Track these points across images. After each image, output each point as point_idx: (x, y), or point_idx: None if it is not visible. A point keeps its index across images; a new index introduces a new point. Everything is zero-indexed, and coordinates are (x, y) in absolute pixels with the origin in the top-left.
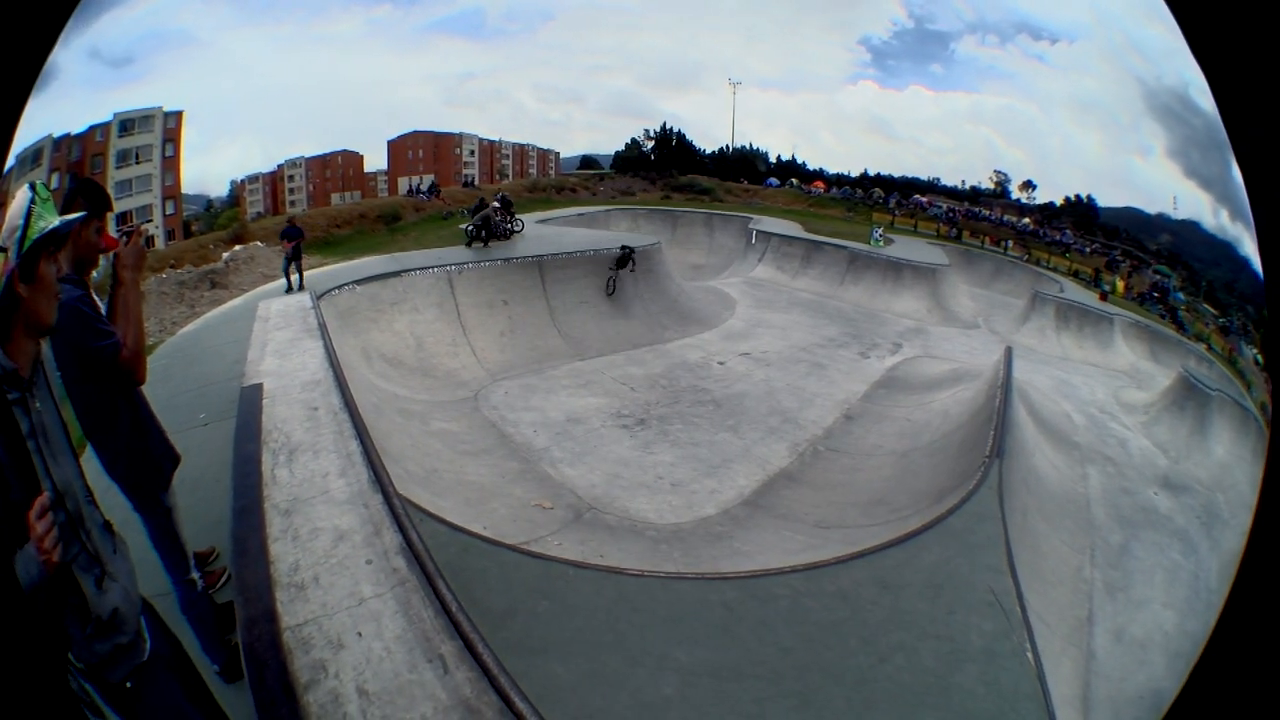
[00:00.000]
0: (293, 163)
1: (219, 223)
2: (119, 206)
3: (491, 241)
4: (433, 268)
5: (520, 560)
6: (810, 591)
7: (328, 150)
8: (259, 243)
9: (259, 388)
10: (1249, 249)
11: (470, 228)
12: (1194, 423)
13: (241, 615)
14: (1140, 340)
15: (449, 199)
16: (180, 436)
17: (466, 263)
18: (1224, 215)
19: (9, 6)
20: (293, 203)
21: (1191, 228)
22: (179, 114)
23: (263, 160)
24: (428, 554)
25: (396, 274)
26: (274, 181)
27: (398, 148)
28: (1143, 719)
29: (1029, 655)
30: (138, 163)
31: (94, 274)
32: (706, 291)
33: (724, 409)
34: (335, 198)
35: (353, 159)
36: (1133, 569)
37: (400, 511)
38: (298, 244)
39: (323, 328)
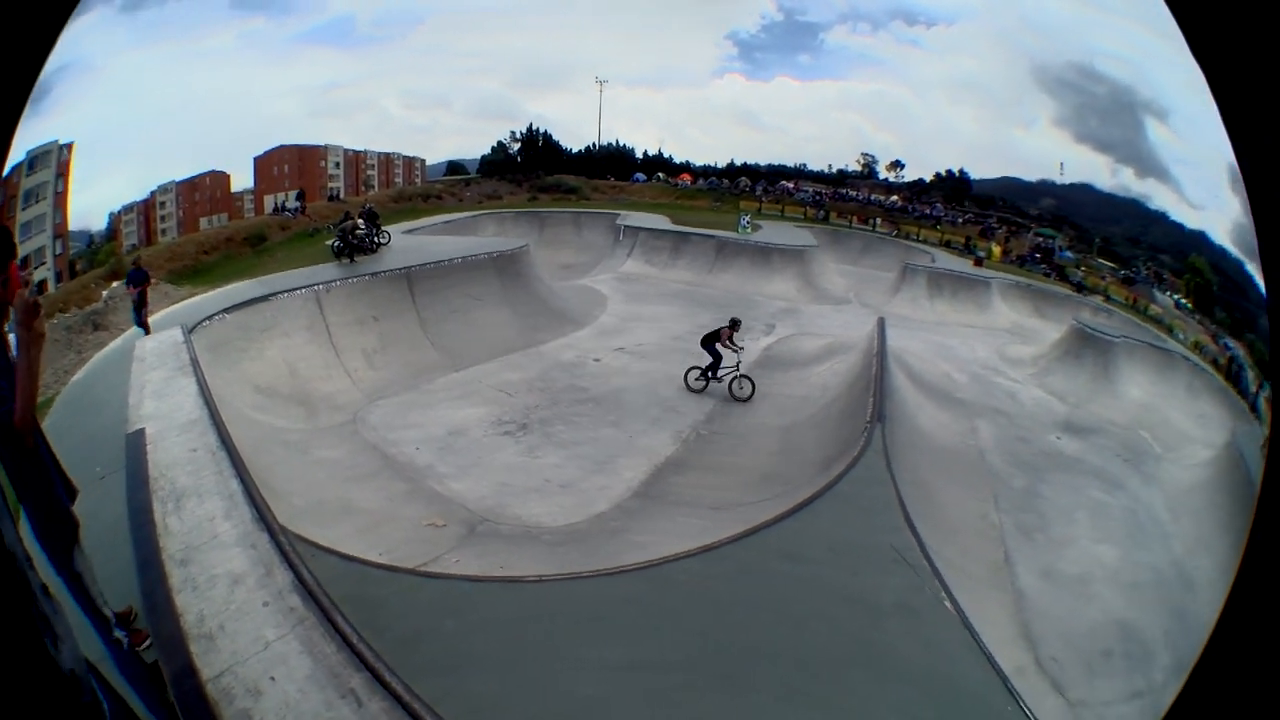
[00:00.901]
0: (164, 188)
1: (99, 259)
2: (25, 249)
3: (358, 256)
4: (300, 289)
5: (420, 583)
6: (712, 573)
7: (196, 172)
8: None
9: (141, 433)
10: (1164, 202)
11: (335, 243)
12: (1096, 369)
13: (166, 672)
14: (1022, 299)
15: (315, 215)
16: (83, 493)
17: (334, 280)
18: (1127, 174)
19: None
20: (164, 230)
21: (1083, 190)
22: (70, 146)
23: (137, 188)
24: (321, 589)
25: (264, 298)
26: (147, 210)
27: (264, 164)
28: (1113, 649)
29: (946, 604)
30: (37, 202)
31: (6, 325)
32: (577, 290)
33: (604, 405)
34: (204, 222)
35: (220, 179)
36: (1045, 510)
37: (289, 549)
38: (143, 290)
39: (195, 363)
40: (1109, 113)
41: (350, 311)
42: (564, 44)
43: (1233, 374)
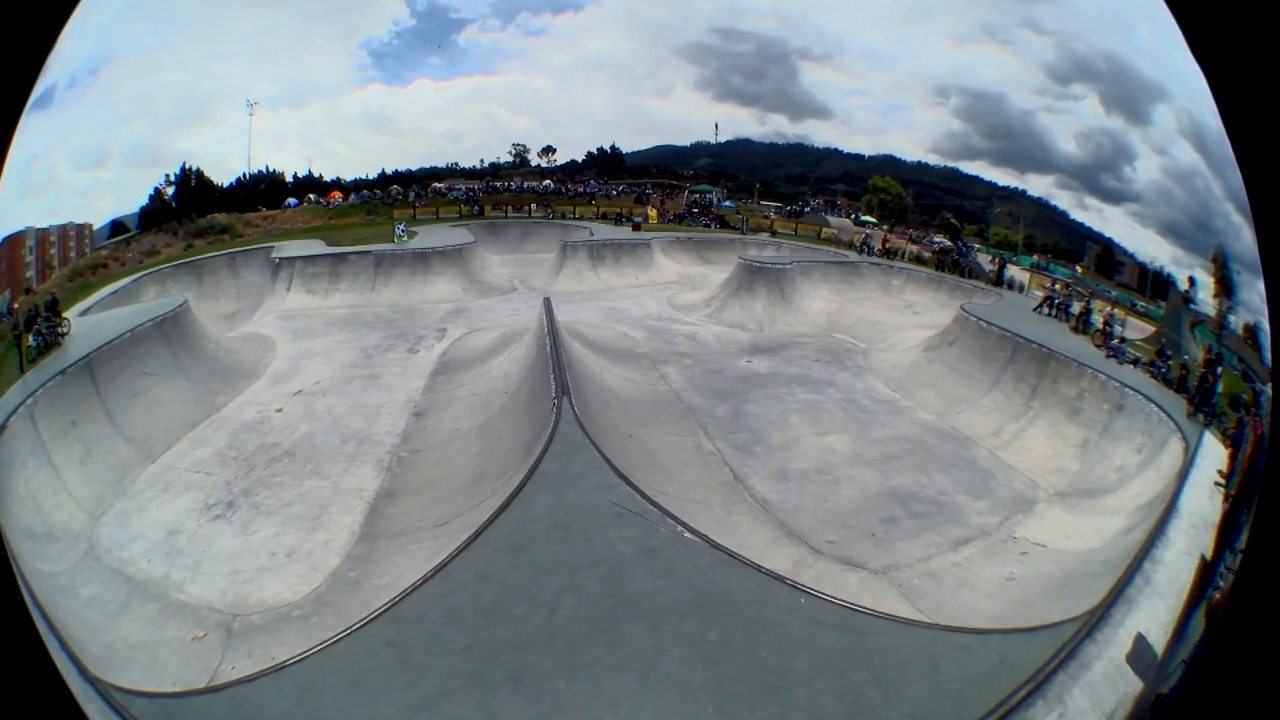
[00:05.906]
0: None
1: None
2: None
3: (48, 354)
4: (17, 408)
5: (212, 700)
6: (452, 590)
7: None
8: None
9: None
10: (829, 137)
11: (32, 343)
12: (771, 294)
13: None
14: (684, 251)
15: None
16: None
17: (37, 390)
18: (779, 121)
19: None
20: None
21: (740, 144)
22: None
23: None
24: None
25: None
26: None
27: None
28: (896, 515)
29: (687, 534)
30: None
31: None
32: (244, 340)
33: (298, 456)
34: None
35: None
36: (756, 426)
37: (112, 698)
38: None
39: None
40: (753, 68)
41: (54, 423)
42: (201, 72)
43: (948, 264)
